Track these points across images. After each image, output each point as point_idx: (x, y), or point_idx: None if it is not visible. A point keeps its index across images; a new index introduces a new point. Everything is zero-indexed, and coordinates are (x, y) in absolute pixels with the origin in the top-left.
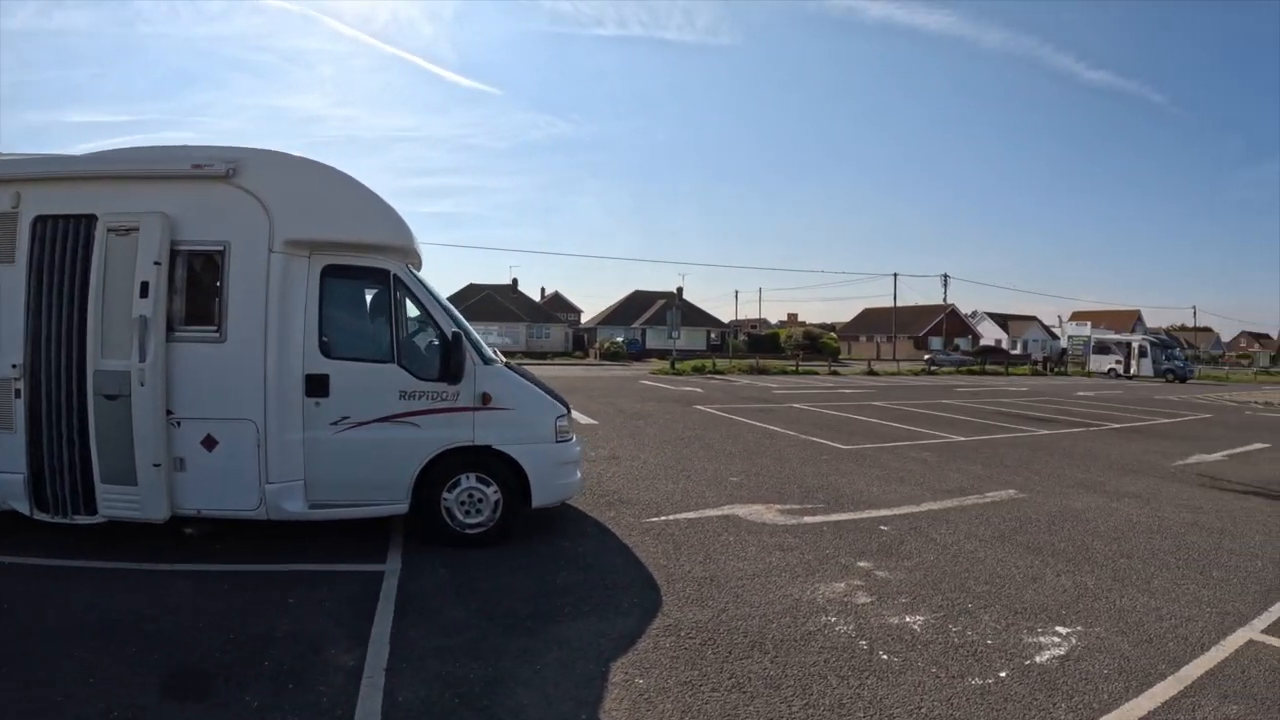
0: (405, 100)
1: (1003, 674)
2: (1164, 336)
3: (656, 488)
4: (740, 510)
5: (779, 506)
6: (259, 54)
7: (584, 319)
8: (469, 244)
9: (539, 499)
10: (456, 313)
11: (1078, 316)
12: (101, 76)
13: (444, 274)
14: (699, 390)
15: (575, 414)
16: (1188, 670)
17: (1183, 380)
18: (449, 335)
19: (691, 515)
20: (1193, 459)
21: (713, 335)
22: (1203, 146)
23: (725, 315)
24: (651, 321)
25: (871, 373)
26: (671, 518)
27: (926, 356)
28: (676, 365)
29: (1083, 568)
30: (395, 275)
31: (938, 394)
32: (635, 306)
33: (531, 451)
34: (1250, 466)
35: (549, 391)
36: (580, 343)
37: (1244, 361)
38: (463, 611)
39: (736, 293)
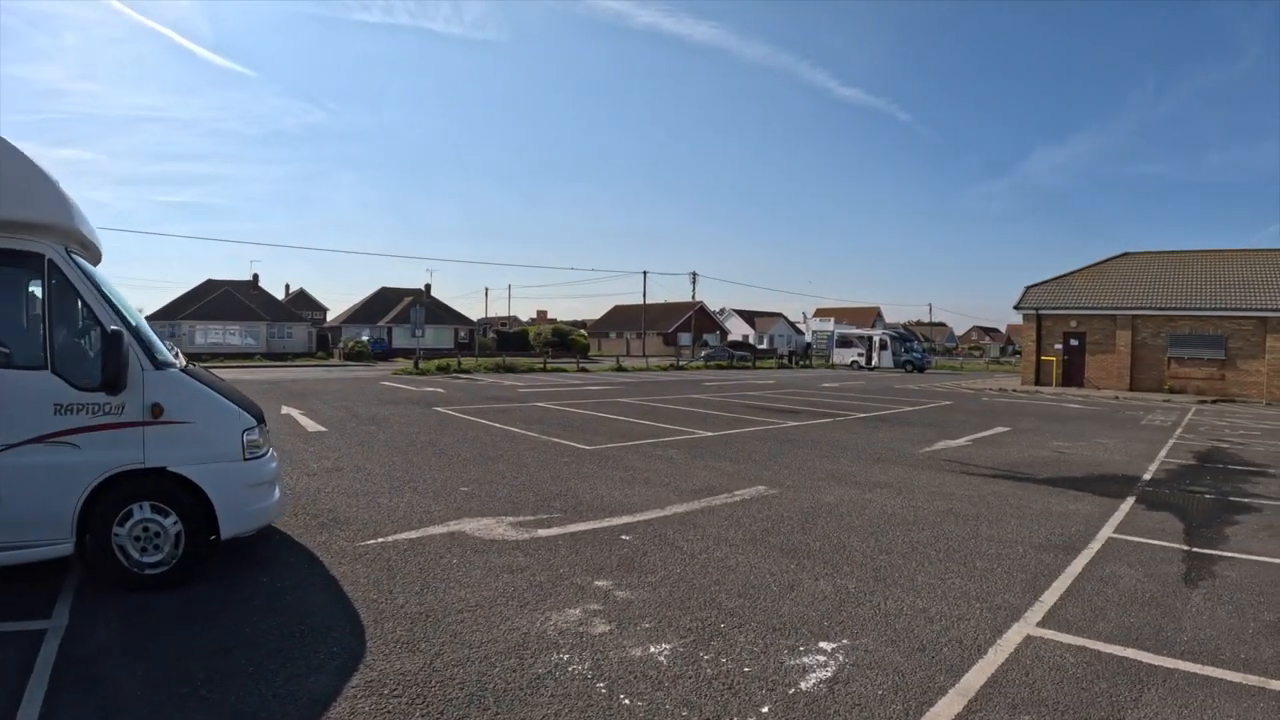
0: (154, 76)
1: (765, 709)
2: (902, 331)
3: (378, 503)
4: (468, 525)
5: (511, 519)
6: (2, 15)
7: (330, 318)
8: (208, 236)
9: (229, 528)
10: (129, 307)
11: (821, 313)
12: None
13: (186, 268)
14: (441, 391)
15: (304, 420)
16: (969, 680)
17: (921, 370)
18: (108, 333)
19: (413, 535)
20: (939, 445)
21: (461, 334)
22: (942, 161)
23: (476, 313)
24: (399, 320)
25: (620, 369)
26: (391, 539)
27: (705, 352)
28: (421, 365)
29: (841, 569)
30: (51, 261)
31: (685, 389)
32: (382, 304)
33: (214, 472)
34: (994, 449)
35: (238, 400)
36: (325, 342)
37: (976, 353)
38: (130, 679)
39: (486, 290)
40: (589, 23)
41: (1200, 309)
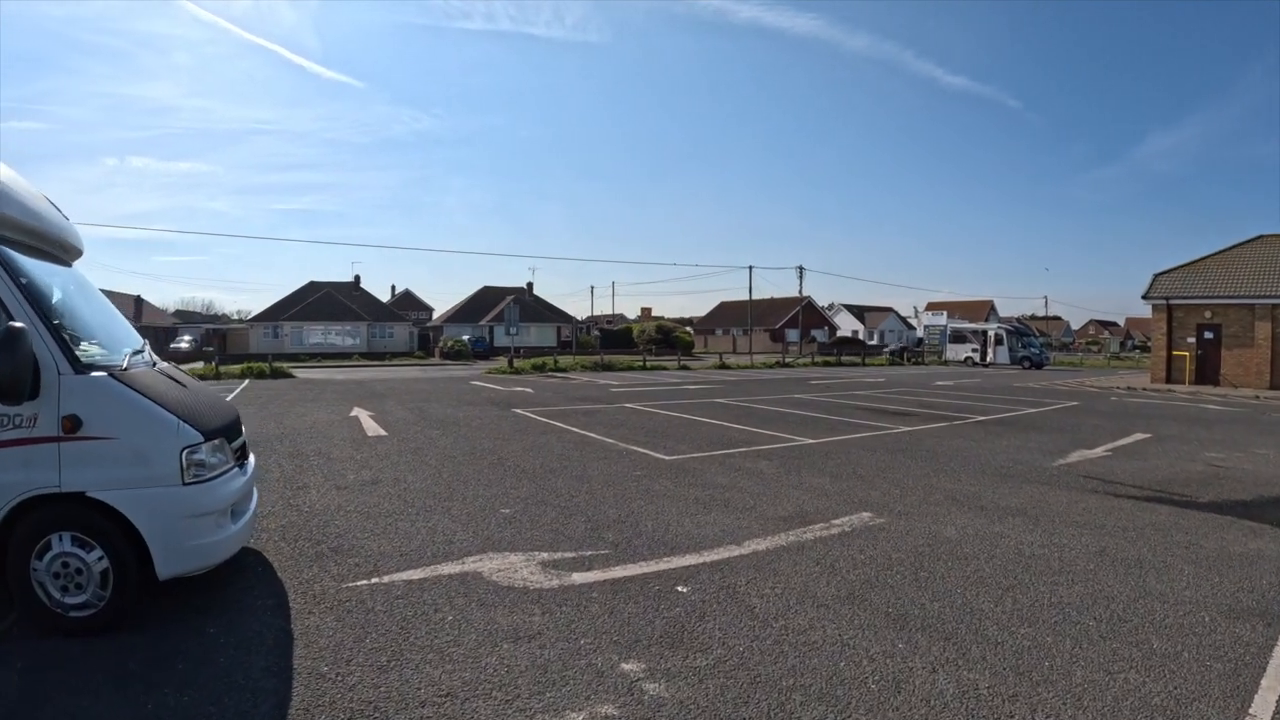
0: (265, 91)
1: None
2: (1018, 325)
3: (396, 529)
4: (489, 564)
5: (546, 555)
6: (111, 38)
7: (435, 318)
8: (310, 240)
9: (167, 566)
10: (76, 302)
11: (933, 307)
12: None
13: (301, 273)
14: (529, 391)
15: (369, 423)
16: None
17: (1039, 367)
18: (6, 330)
19: (418, 574)
20: (1074, 456)
21: (564, 332)
22: (1053, 148)
23: (583, 311)
24: (500, 318)
25: (723, 366)
26: (388, 579)
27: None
28: (515, 364)
29: (969, 651)
30: None
31: (789, 388)
32: (484, 303)
33: (144, 499)
34: (1139, 462)
35: (190, 411)
36: (426, 342)
37: (1094, 347)
38: None
39: (592, 288)
40: (689, 20)
41: None
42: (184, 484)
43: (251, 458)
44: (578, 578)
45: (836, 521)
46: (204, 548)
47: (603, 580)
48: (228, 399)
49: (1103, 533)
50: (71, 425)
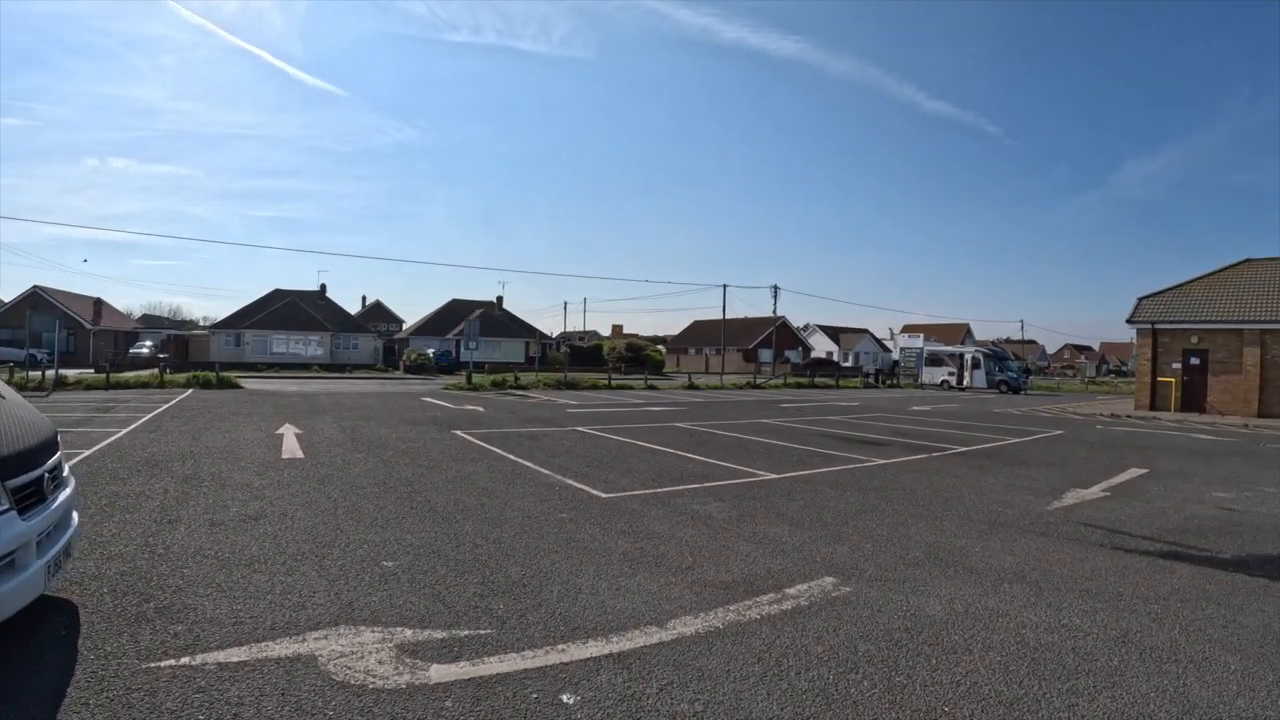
0: (248, 96)
1: None
2: (995, 348)
3: (250, 583)
4: (334, 644)
5: (410, 634)
6: (98, 37)
7: (404, 329)
8: (282, 247)
9: None
10: None
11: (909, 329)
12: None
13: (279, 280)
14: (480, 410)
15: (290, 443)
16: None
17: (1017, 391)
18: None
19: (241, 654)
20: (1070, 497)
21: (532, 347)
22: (1032, 174)
23: (557, 327)
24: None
25: (692, 386)
26: (202, 659)
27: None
28: (474, 380)
29: None
30: None
31: (758, 411)
32: (453, 316)
33: None
34: (1142, 505)
35: None
36: (392, 354)
37: (1069, 371)
38: None
39: (565, 303)
40: (675, 38)
41: None
42: None
43: (68, 487)
44: (436, 673)
45: (792, 591)
46: None
47: (467, 679)
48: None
49: (1120, 606)
50: None
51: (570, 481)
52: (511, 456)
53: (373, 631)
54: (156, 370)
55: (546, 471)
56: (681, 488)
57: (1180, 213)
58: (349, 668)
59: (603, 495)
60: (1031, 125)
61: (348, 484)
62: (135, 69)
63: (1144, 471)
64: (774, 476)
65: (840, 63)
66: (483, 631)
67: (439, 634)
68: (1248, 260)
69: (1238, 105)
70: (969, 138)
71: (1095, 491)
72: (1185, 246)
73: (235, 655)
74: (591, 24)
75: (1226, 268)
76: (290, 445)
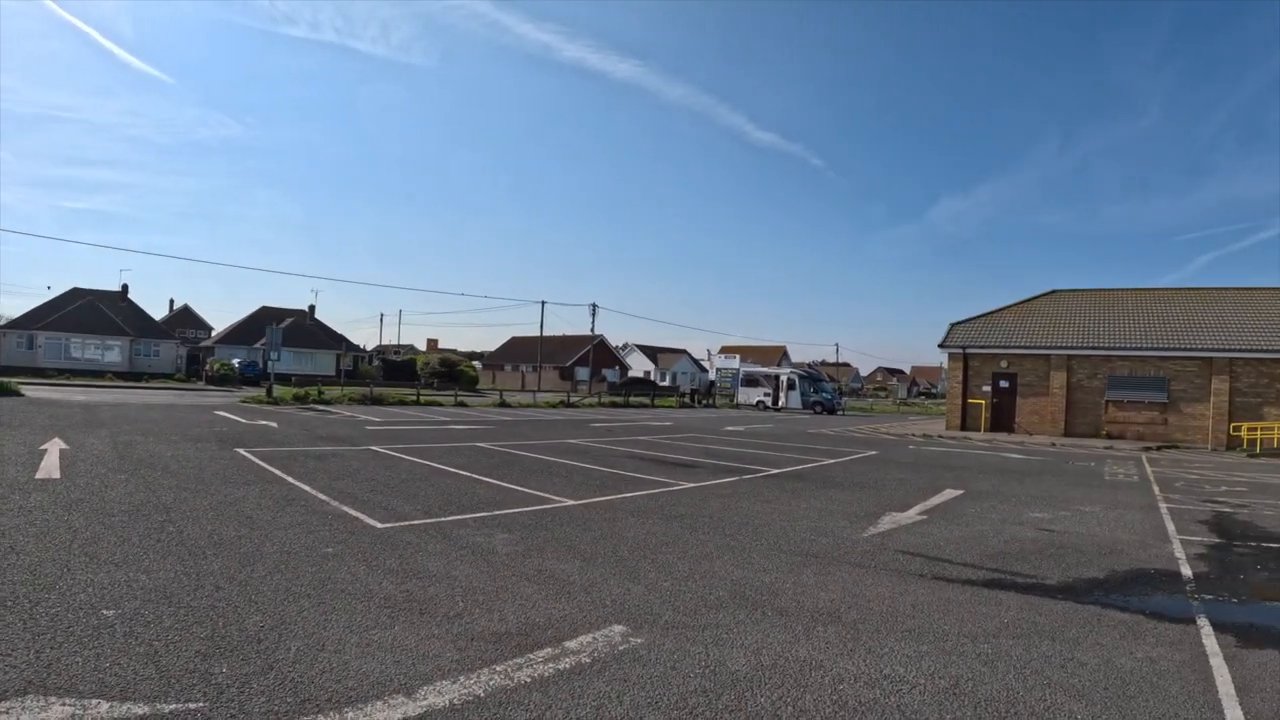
0: (70, 75)
1: None
2: (810, 370)
3: None
4: None
5: (107, 707)
6: None
7: (212, 337)
8: (78, 240)
9: None
10: None
11: (727, 350)
12: None
13: (90, 278)
14: (273, 425)
15: (51, 460)
16: None
17: (831, 412)
18: None
19: None
20: (886, 522)
21: (343, 359)
22: (852, 208)
23: (374, 339)
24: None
25: (503, 404)
26: None
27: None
28: (275, 393)
29: None
30: None
31: (567, 431)
32: (262, 324)
33: None
34: (961, 528)
35: None
36: (196, 363)
37: (882, 393)
38: None
39: (381, 315)
40: (516, 52)
41: (1140, 349)
42: None
43: None
44: None
45: (573, 644)
46: None
47: None
48: None
49: (947, 649)
50: None
51: (347, 509)
52: (290, 479)
53: (63, 705)
54: None
55: (324, 497)
56: (468, 516)
57: (989, 248)
58: None
59: (379, 525)
60: (854, 162)
61: (97, 510)
62: None
63: (960, 492)
64: (572, 503)
65: (676, 88)
66: (192, 706)
67: (139, 709)
68: (1055, 291)
69: (1048, 152)
70: (796, 169)
71: (912, 515)
72: (993, 280)
73: None
74: (433, 31)
75: (1035, 297)
76: (50, 463)
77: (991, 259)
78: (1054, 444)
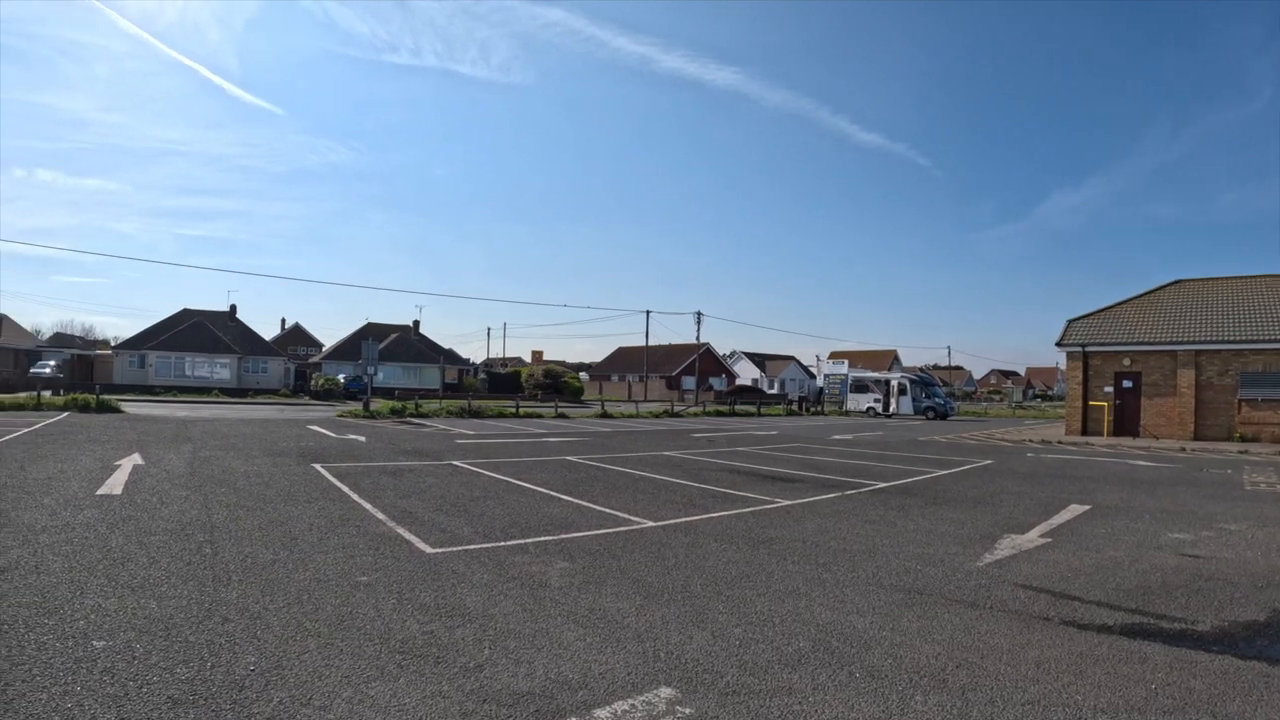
0: (181, 111)
1: None
2: (922, 374)
3: None
4: None
5: None
6: (30, 43)
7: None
8: (199, 266)
9: None
10: None
11: (835, 356)
12: None
13: (204, 301)
14: (360, 440)
15: (120, 476)
16: None
17: (943, 418)
18: None
19: None
20: (1003, 547)
21: (448, 373)
22: (959, 206)
23: (484, 354)
24: (384, 357)
25: (604, 415)
26: None
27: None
28: (371, 407)
29: None
30: None
31: (666, 442)
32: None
33: None
34: (1091, 555)
35: None
36: (304, 378)
37: (996, 396)
38: None
39: (489, 329)
40: (612, 66)
41: (1276, 341)
42: None
43: None
44: None
45: (603, 713)
46: None
47: None
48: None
49: None
50: None
51: (401, 530)
52: (354, 496)
53: None
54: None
55: (381, 517)
56: (529, 540)
57: (1101, 243)
58: None
59: (428, 550)
60: (960, 158)
61: (140, 529)
62: (67, 78)
63: (1086, 508)
64: (650, 524)
65: (775, 94)
66: None
67: None
68: (1179, 281)
69: (1160, 138)
70: (900, 169)
71: (1033, 537)
72: (1106, 276)
73: None
74: (531, 50)
75: (1158, 288)
76: (117, 479)
77: (1103, 254)
78: (1183, 449)
